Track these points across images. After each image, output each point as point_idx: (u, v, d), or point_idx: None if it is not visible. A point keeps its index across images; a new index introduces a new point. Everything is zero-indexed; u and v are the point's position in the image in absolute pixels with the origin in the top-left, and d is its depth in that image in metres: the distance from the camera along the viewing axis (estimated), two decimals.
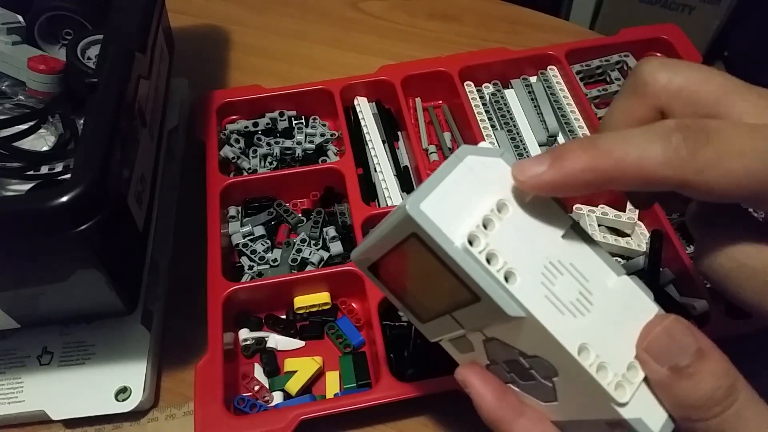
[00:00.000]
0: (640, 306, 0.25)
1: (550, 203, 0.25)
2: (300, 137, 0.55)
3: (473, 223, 0.23)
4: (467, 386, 0.28)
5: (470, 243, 0.23)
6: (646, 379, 0.23)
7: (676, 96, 0.25)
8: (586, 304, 0.24)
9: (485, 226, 0.23)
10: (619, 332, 0.24)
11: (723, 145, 0.22)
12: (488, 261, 0.23)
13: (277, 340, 0.45)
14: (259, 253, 0.49)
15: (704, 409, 0.22)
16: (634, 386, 0.23)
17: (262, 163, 0.54)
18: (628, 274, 0.26)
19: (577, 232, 0.25)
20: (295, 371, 0.43)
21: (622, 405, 0.23)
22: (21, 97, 0.47)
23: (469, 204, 0.24)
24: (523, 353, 0.25)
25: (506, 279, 0.23)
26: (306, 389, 0.43)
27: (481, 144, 0.26)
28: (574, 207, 0.49)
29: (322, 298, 0.46)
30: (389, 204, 0.51)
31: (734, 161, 0.21)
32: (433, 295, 0.26)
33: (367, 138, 0.55)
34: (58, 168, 0.44)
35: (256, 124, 0.56)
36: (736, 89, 0.24)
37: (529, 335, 0.24)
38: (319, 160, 0.55)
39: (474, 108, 0.55)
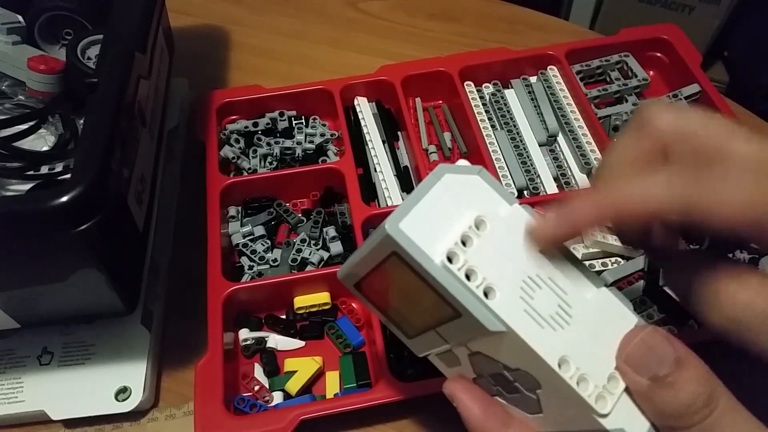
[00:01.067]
0: (620, 317, 0.25)
1: (528, 219, 0.26)
2: (300, 137, 0.55)
3: (452, 241, 0.24)
4: (454, 400, 0.29)
5: (449, 260, 0.23)
6: (627, 389, 0.24)
7: (679, 138, 0.26)
8: (565, 317, 0.24)
9: (464, 243, 0.24)
10: (598, 344, 0.24)
11: (725, 174, 0.23)
12: (467, 277, 0.23)
13: (277, 340, 0.45)
14: (259, 253, 0.49)
15: (685, 418, 0.22)
16: (615, 396, 0.23)
17: (262, 163, 0.54)
18: (612, 284, 0.26)
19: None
20: (295, 371, 0.43)
21: (604, 416, 0.23)
22: (21, 97, 0.47)
23: (448, 222, 0.24)
24: (507, 366, 0.25)
25: (486, 295, 0.23)
26: (306, 389, 0.43)
27: (459, 162, 0.26)
28: None
29: (322, 298, 0.46)
30: (389, 204, 0.51)
31: (737, 187, 0.22)
32: (417, 312, 0.27)
33: (367, 138, 0.55)
34: (58, 168, 0.44)
35: (256, 124, 0.56)
36: (739, 134, 0.25)
37: (510, 349, 0.24)
38: (319, 160, 0.55)
39: (474, 108, 0.55)
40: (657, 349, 0.23)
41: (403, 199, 0.51)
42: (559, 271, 0.25)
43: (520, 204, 0.26)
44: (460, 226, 0.24)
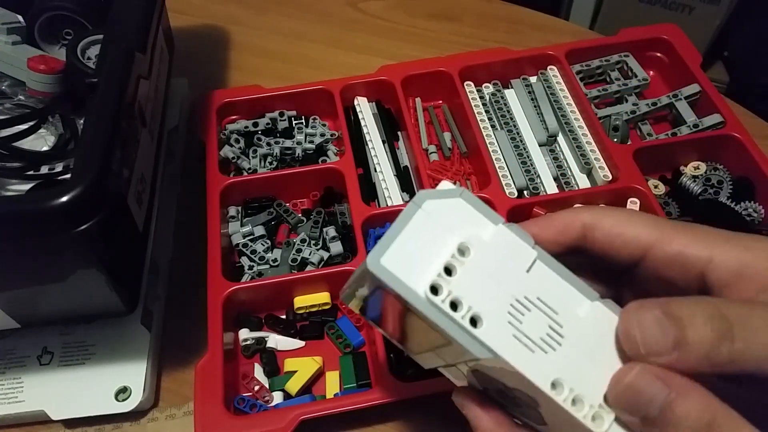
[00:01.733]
0: (615, 330, 0.25)
1: (514, 239, 0.25)
2: (300, 137, 0.55)
3: (435, 271, 0.23)
4: (464, 408, 0.29)
5: (434, 292, 0.23)
6: None
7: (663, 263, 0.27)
8: (557, 337, 0.24)
9: (448, 272, 0.24)
10: (593, 361, 0.24)
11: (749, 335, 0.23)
12: (454, 308, 0.23)
13: (277, 340, 0.45)
14: (259, 253, 0.49)
15: None
16: (612, 415, 0.23)
17: (262, 163, 0.54)
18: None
19: (544, 261, 0.25)
20: (295, 371, 0.43)
21: None
22: (21, 97, 0.47)
23: (431, 251, 0.24)
24: (505, 385, 0.25)
25: (473, 323, 0.23)
26: (306, 389, 0.43)
27: (441, 185, 0.26)
28: (574, 207, 0.49)
29: (322, 298, 0.46)
30: (389, 204, 0.51)
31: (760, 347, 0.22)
32: (414, 335, 0.27)
33: (367, 138, 0.55)
34: (58, 168, 0.44)
35: (256, 124, 0.56)
36: (719, 242, 0.26)
37: (504, 372, 0.24)
38: (319, 160, 0.55)
39: (474, 108, 0.55)
40: (645, 391, 0.23)
41: (403, 200, 0.51)
42: (549, 289, 0.25)
43: (506, 223, 0.25)
44: (444, 254, 0.24)
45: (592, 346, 0.24)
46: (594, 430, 0.23)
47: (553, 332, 0.24)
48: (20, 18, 0.49)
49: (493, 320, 0.23)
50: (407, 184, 0.53)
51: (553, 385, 0.23)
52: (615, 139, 0.53)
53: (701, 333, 0.22)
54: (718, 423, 0.22)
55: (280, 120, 0.56)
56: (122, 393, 0.43)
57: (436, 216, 0.24)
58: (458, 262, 0.24)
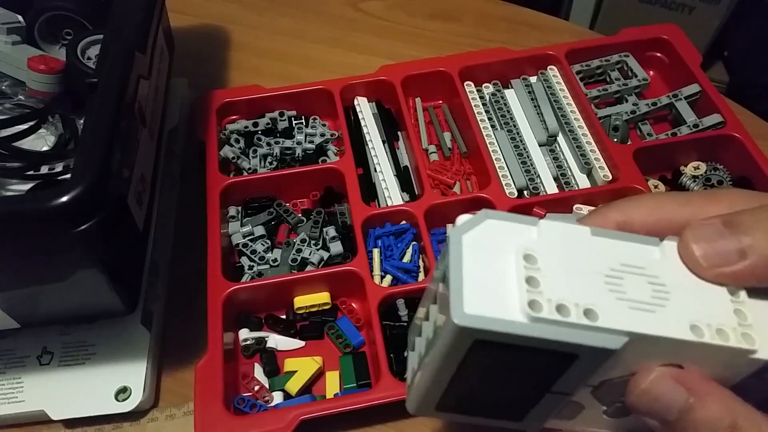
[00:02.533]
0: None
1: (562, 226, 0.24)
2: (300, 137, 0.55)
3: (521, 290, 0.22)
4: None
5: (534, 308, 0.21)
6: (756, 307, 0.23)
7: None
8: (661, 288, 0.23)
9: (531, 284, 0.22)
10: (702, 290, 0.23)
11: None
12: (561, 314, 0.21)
13: (277, 340, 0.45)
14: (259, 253, 0.49)
15: None
16: (753, 326, 0.23)
17: (262, 163, 0.54)
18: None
19: (598, 233, 0.24)
20: (295, 371, 0.43)
21: (755, 351, 0.22)
22: (21, 97, 0.47)
23: (502, 277, 0.22)
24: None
25: (590, 317, 0.22)
26: (306, 389, 0.43)
27: (459, 219, 0.24)
28: (574, 207, 0.49)
29: (322, 298, 0.46)
30: (389, 204, 0.51)
31: None
32: (522, 387, 0.25)
33: (367, 138, 0.55)
34: (58, 168, 0.44)
35: (256, 124, 0.56)
36: (749, 201, 0.25)
37: (638, 354, 0.23)
38: (319, 160, 0.55)
39: (474, 108, 0.55)
40: (662, 397, 0.22)
41: (403, 200, 0.51)
42: (622, 253, 0.24)
43: (543, 218, 0.25)
44: (515, 272, 0.22)
45: (690, 279, 0.24)
46: (750, 348, 0.22)
47: (655, 285, 0.23)
48: (20, 18, 0.49)
49: (604, 304, 0.22)
50: (407, 184, 0.53)
51: (694, 331, 0.22)
52: (615, 139, 0.53)
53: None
54: (740, 425, 0.21)
55: (280, 120, 0.56)
56: (122, 393, 0.43)
57: (480, 245, 0.23)
58: (533, 270, 0.22)
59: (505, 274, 0.22)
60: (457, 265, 0.22)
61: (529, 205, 0.49)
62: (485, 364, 0.23)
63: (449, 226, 0.51)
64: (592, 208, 0.49)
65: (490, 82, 0.59)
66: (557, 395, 0.25)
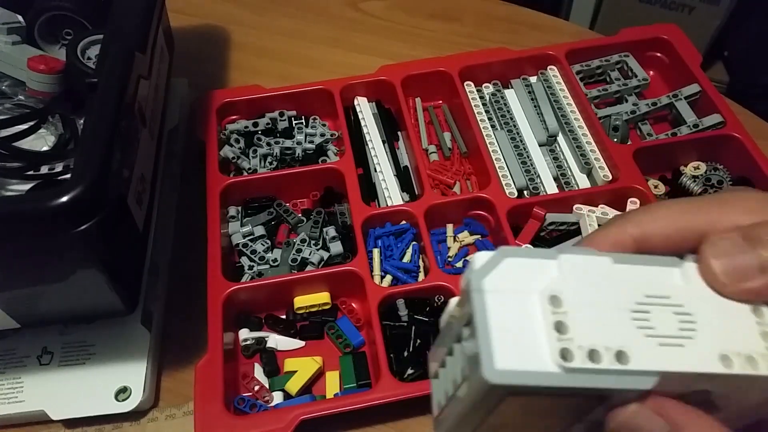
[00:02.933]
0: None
1: (581, 259, 0.24)
2: (300, 137, 0.55)
3: (551, 337, 0.21)
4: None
5: (565, 357, 0.21)
6: None
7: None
8: (687, 318, 0.23)
9: (560, 331, 0.21)
10: (728, 315, 0.23)
11: None
12: (593, 360, 0.21)
13: (277, 340, 0.45)
14: (259, 253, 0.49)
15: None
16: None
17: (262, 163, 0.54)
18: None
19: (618, 260, 0.24)
20: (295, 371, 0.43)
21: None
22: (21, 97, 0.47)
23: (528, 324, 0.22)
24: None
25: (622, 360, 0.21)
26: (306, 389, 0.43)
27: (475, 258, 0.23)
28: (574, 207, 0.49)
29: (322, 298, 0.46)
30: (389, 204, 0.51)
31: None
32: (552, 424, 0.25)
33: (367, 138, 0.55)
34: (58, 168, 0.44)
35: (256, 124, 0.56)
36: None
37: (669, 385, 0.22)
38: (319, 160, 0.55)
39: (474, 108, 0.55)
40: (643, 428, 0.22)
41: (403, 200, 0.51)
42: (644, 281, 0.23)
43: (561, 252, 0.24)
44: (543, 318, 0.22)
45: (716, 302, 0.23)
46: None
47: (681, 316, 0.22)
48: (20, 18, 0.49)
49: (634, 344, 0.21)
50: (407, 184, 0.53)
51: (724, 363, 0.22)
52: (615, 139, 0.53)
53: None
54: None
55: (280, 120, 0.56)
56: (122, 393, 0.43)
57: (503, 289, 0.22)
58: (560, 314, 0.22)
59: (532, 320, 0.22)
60: (482, 315, 0.22)
61: (529, 205, 0.49)
62: (516, 409, 0.23)
63: (449, 226, 0.51)
64: (593, 208, 0.49)
65: (490, 82, 0.59)
66: (585, 423, 0.25)
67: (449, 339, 0.25)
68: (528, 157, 0.53)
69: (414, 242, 0.49)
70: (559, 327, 0.21)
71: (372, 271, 0.46)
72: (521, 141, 0.54)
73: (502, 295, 0.22)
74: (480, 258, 0.23)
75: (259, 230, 0.50)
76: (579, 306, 0.22)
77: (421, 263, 0.48)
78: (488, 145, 0.53)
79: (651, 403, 0.22)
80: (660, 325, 0.22)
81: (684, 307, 0.23)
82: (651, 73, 0.60)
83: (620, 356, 0.21)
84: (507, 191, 0.50)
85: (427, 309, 0.45)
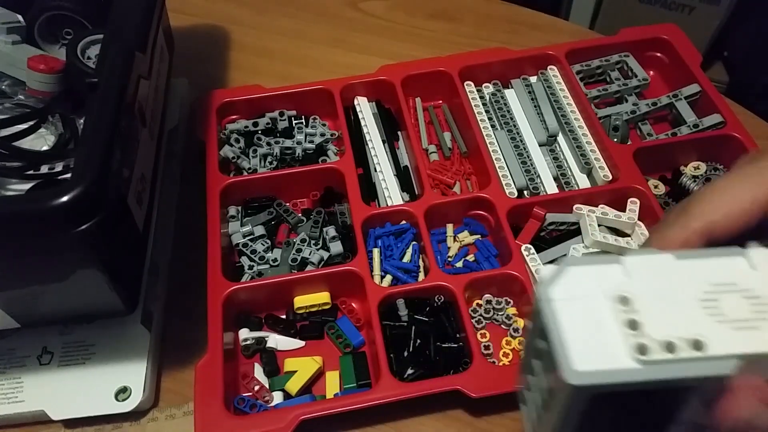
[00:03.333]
0: None
1: (646, 259, 0.24)
2: (300, 137, 0.55)
3: (625, 334, 0.22)
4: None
5: (642, 352, 0.22)
6: None
7: None
8: (757, 300, 0.23)
9: (633, 328, 0.22)
10: None
11: None
12: (671, 350, 0.22)
13: (277, 340, 0.45)
14: (259, 253, 0.49)
15: None
16: None
17: (262, 163, 0.54)
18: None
19: (680, 256, 0.25)
20: (295, 371, 0.43)
21: None
22: (21, 96, 0.47)
23: (601, 324, 0.23)
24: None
25: (699, 348, 0.22)
26: (306, 389, 0.43)
27: (541, 273, 0.25)
28: (574, 207, 0.49)
29: (322, 298, 0.46)
30: (389, 204, 0.51)
31: None
32: (646, 423, 0.25)
33: (367, 138, 0.55)
34: (58, 168, 0.44)
35: (256, 124, 0.56)
36: None
37: (754, 369, 0.23)
38: (319, 160, 0.55)
39: (474, 108, 0.55)
40: (757, 420, 0.23)
41: (403, 199, 0.51)
42: (710, 272, 0.24)
43: (626, 254, 0.25)
44: (614, 317, 0.23)
45: None
46: None
47: (751, 300, 0.23)
48: (20, 18, 0.49)
49: (708, 331, 0.22)
50: (407, 184, 0.53)
51: None
52: (615, 139, 0.53)
53: None
54: None
55: (280, 120, 0.56)
56: (122, 393, 0.43)
57: (570, 296, 0.23)
58: (631, 312, 0.23)
59: (603, 321, 0.23)
60: (553, 323, 0.22)
61: (529, 205, 0.49)
62: (606, 412, 0.23)
63: (449, 226, 0.51)
64: (593, 208, 0.49)
65: (490, 82, 0.59)
66: (685, 424, 0.25)
67: (529, 359, 0.26)
68: (528, 157, 0.53)
69: (414, 242, 0.49)
70: (632, 324, 0.22)
71: (372, 271, 0.46)
72: (521, 141, 0.54)
73: (571, 302, 0.23)
74: (546, 272, 0.24)
75: (259, 230, 0.50)
76: (648, 302, 0.23)
77: (421, 263, 0.48)
78: (488, 145, 0.53)
79: (755, 392, 0.23)
80: (731, 311, 0.23)
81: (753, 291, 0.23)
82: (651, 73, 0.60)
83: (696, 344, 0.22)
84: (507, 191, 0.50)
85: (427, 309, 0.45)
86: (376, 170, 0.53)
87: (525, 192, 0.51)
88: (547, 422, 0.24)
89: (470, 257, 0.49)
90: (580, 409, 0.23)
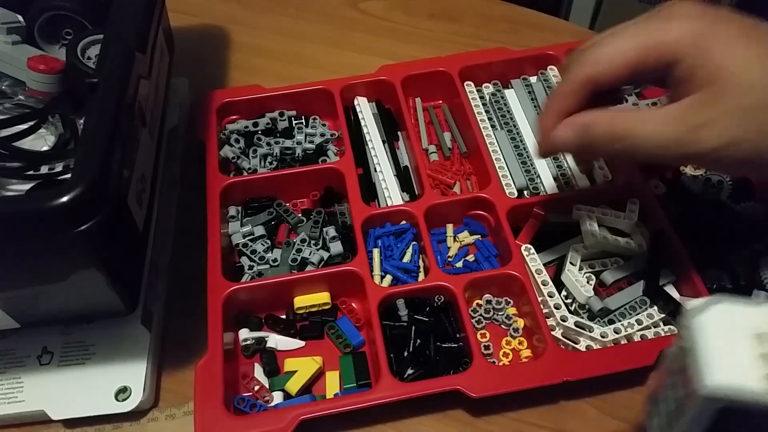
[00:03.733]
0: None
1: None
2: (300, 137, 0.55)
3: (758, 365, 0.25)
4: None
5: None
6: None
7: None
8: None
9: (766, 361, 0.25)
10: None
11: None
12: None
13: (277, 340, 0.45)
14: (259, 253, 0.49)
15: None
16: None
17: (262, 163, 0.54)
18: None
19: None
20: (295, 371, 0.43)
21: None
22: (21, 97, 0.47)
23: (738, 353, 0.26)
24: None
25: None
26: (306, 389, 0.43)
27: (696, 302, 0.28)
28: (574, 207, 0.49)
29: (322, 298, 0.46)
30: (389, 204, 0.51)
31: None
32: None
33: (367, 138, 0.55)
34: (58, 168, 0.44)
35: (256, 124, 0.56)
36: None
37: None
38: (319, 160, 0.55)
39: (474, 108, 0.55)
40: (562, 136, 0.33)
41: (403, 200, 0.51)
42: None
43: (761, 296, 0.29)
44: (750, 350, 0.26)
45: None
46: None
47: None
48: (20, 18, 0.49)
49: None
50: (407, 184, 0.53)
51: None
52: None
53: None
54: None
55: (280, 120, 0.56)
56: (122, 393, 0.43)
57: (715, 326, 0.27)
58: (766, 348, 0.26)
59: (741, 351, 0.26)
60: (697, 343, 0.27)
61: (529, 205, 0.49)
62: (731, 429, 0.27)
63: (449, 226, 0.51)
64: (593, 208, 0.49)
65: (490, 82, 0.59)
66: None
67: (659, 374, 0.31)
68: (528, 157, 0.53)
69: (414, 242, 0.49)
70: (765, 358, 0.26)
71: (372, 271, 0.46)
72: (521, 141, 0.54)
73: (715, 331, 0.27)
74: (694, 303, 0.29)
75: (259, 230, 0.50)
76: None
77: (421, 263, 0.48)
78: (488, 145, 0.53)
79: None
80: None
81: None
82: None
83: None
84: (507, 191, 0.50)
85: (427, 309, 0.45)
86: (376, 170, 0.53)
87: (525, 192, 0.51)
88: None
89: (470, 257, 0.49)
90: (707, 422, 0.27)
